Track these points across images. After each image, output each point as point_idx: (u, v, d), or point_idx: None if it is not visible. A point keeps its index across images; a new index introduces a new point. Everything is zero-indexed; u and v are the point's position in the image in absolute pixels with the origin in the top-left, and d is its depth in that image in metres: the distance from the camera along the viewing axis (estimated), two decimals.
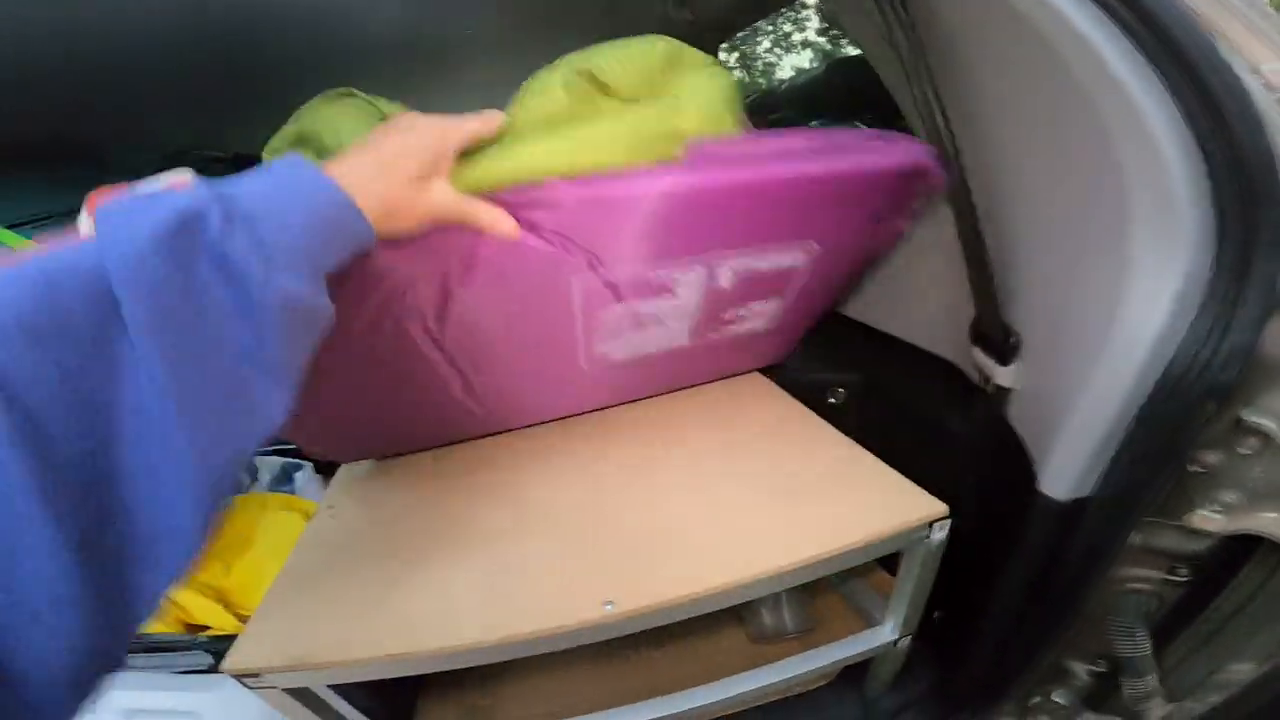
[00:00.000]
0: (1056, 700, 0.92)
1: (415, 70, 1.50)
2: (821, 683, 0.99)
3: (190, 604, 1.00)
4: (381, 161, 0.44)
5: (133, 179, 1.08)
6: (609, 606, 0.67)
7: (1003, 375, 0.73)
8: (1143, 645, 0.74)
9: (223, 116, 1.41)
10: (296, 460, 1.28)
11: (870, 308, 1.12)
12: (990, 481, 0.80)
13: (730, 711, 0.88)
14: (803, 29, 5.76)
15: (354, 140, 0.50)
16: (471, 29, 1.33)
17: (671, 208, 0.66)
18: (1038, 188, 0.65)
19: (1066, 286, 0.63)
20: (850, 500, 0.77)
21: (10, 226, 0.79)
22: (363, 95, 0.77)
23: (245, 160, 1.34)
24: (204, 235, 0.30)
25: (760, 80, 5.92)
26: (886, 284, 1.06)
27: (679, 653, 1.00)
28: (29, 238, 0.80)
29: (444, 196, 0.50)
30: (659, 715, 0.81)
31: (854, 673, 0.94)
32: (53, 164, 1.12)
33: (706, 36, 1.72)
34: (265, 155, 0.76)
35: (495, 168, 0.58)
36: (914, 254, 0.97)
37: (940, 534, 0.74)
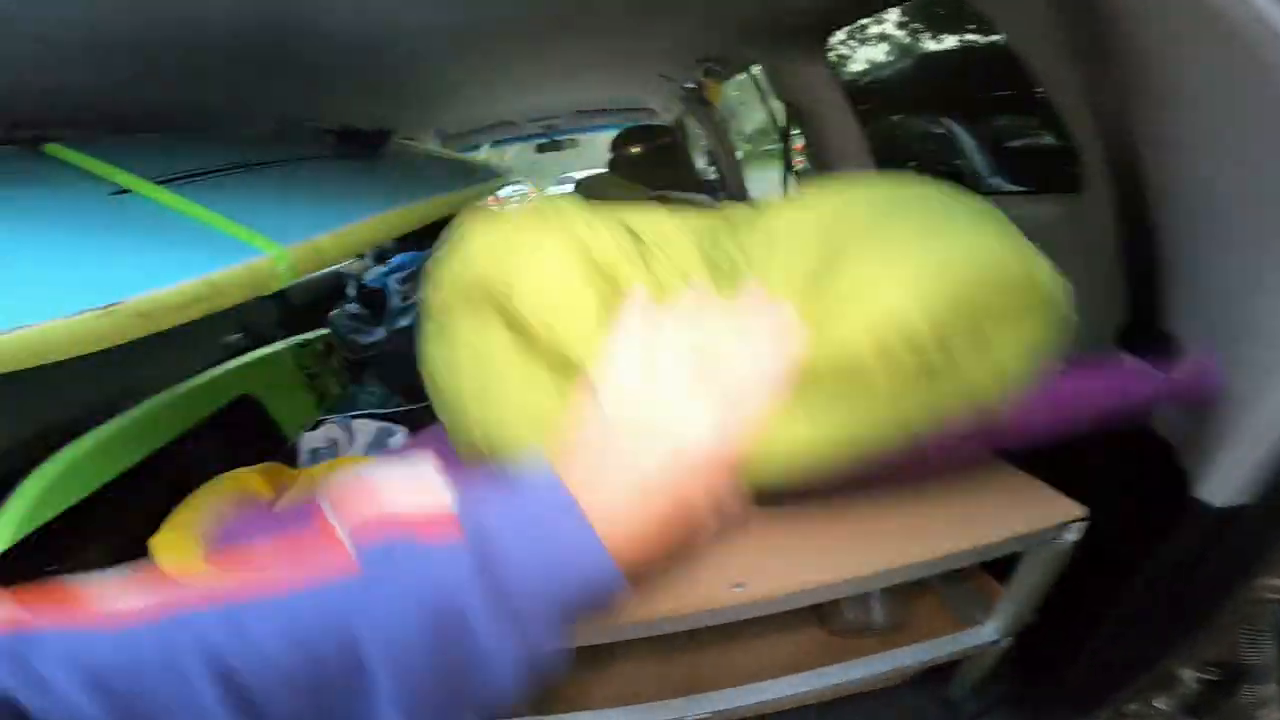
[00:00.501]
0: (1157, 706, 0.89)
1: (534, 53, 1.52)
2: (900, 680, 0.98)
3: None
4: (645, 491, 0.32)
5: (265, 148, 1.17)
6: (739, 589, 0.67)
7: None
8: (1268, 653, 0.72)
9: (333, 90, 1.46)
10: (392, 425, 1.31)
11: None
12: (1128, 486, 0.78)
13: (806, 704, 0.88)
14: (880, 21, 5.59)
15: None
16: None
17: None
18: (1226, 196, 0.63)
19: (1250, 295, 0.61)
20: (983, 499, 0.76)
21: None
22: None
23: (352, 133, 1.39)
24: (467, 623, 0.29)
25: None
26: None
27: (753, 642, 0.99)
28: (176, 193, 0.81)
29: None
30: (735, 705, 0.81)
31: (934, 672, 0.93)
32: (180, 125, 1.17)
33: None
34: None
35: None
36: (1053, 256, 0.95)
37: (1071, 536, 0.73)
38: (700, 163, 2.91)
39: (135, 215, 0.76)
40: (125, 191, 0.81)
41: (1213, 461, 0.64)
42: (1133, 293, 0.72)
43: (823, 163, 1.46)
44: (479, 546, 0.29)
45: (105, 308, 0.57)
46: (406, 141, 2.02)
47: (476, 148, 3.06)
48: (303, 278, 0.80)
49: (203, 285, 0.66)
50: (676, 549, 0.33)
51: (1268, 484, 0.61)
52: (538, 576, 0.30)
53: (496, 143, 3.19)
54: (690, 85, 2.18)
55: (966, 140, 2.94)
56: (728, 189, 2.57)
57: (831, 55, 1.43)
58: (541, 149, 3.38)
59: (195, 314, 0.66)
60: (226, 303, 0.69)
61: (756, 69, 1.76)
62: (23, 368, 0.52)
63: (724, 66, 1.74)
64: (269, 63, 1.11)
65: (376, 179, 1.33)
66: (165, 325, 0.63)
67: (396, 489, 0.32)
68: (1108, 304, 0.76)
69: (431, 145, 2.03)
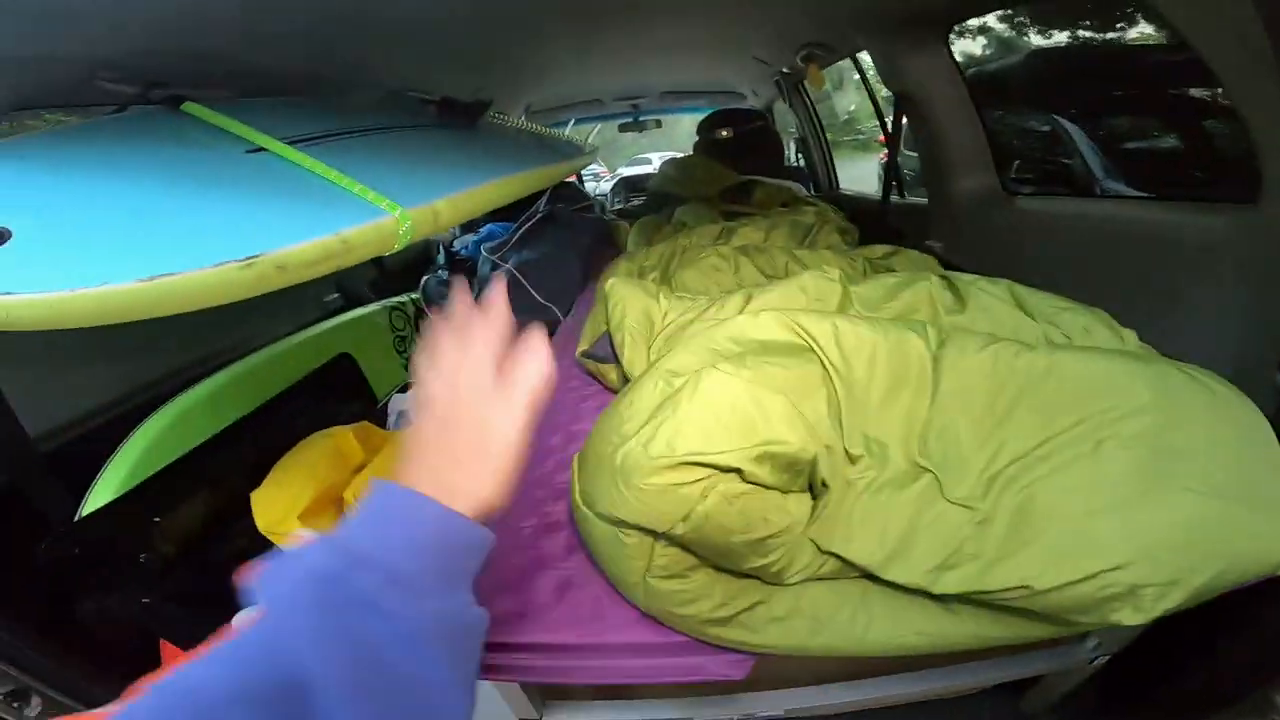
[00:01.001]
0: None
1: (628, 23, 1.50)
2: (973, 689, 0.93)
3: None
4: (450, 456, 0.41)
5: (374, 115, 1.20)
6: None
7: None
8: None
9: (427, 68, 1.49)
10: None
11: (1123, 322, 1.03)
12: None
13: (875, 708, 0.85)
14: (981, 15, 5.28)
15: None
16: None
17: None
18: None
19: None
20: None
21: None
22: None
23: (452, 104, 1.41)
24: (340, 588, 0.33)
25: None
26: (1163, 303, 0.95)
27: None
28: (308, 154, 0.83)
29: (513, 419, 0.42)
30: (806, 705, 0.79)
31: (1009, 683, 0.88)
32: (296, 91, 1.21)
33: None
34: None
35: None
36: (1213, 281, 0.87)
37: None
38: (790, 150, 2.82)
39: (270, 173, 0.78)
40: (260, 150, 0.83)
41: None
42: None
43: (935, 161, 1.38)
44: (343, 541, 0.35)
45: (246, 260, 0.58)
46: (498, 115, 2.03)
47: (563, 124, 3.06)
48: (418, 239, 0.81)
49: (336, 242, 0.67)
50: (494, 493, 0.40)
51: None
52: (391, 543, 0.36)
53: (580, 120, 3.19)
54: (786, 70, 2.11)
55: (1082, 140, 2.75)
56: (817, 179, 2.48)
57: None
58: (624, 128, 3.35)
59: (327, 269, 0.67)
60: (354, 259, 0.70)
61: (862, 55, 1.68)
62: (166, 314, 0.54)
63: (827, 53, 1.66)
64: (377, 34, 1.13)
65: (477, 149, 1.34)
66: (301, 279, 0.64)
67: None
68: (1269, 326, 0.72)
69: (520, 121, 2.04)
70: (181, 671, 0.30)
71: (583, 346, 0.89)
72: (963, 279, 0.71)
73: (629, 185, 3.41)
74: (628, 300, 0.81)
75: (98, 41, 0.79)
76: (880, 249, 0.93)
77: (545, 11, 1.41)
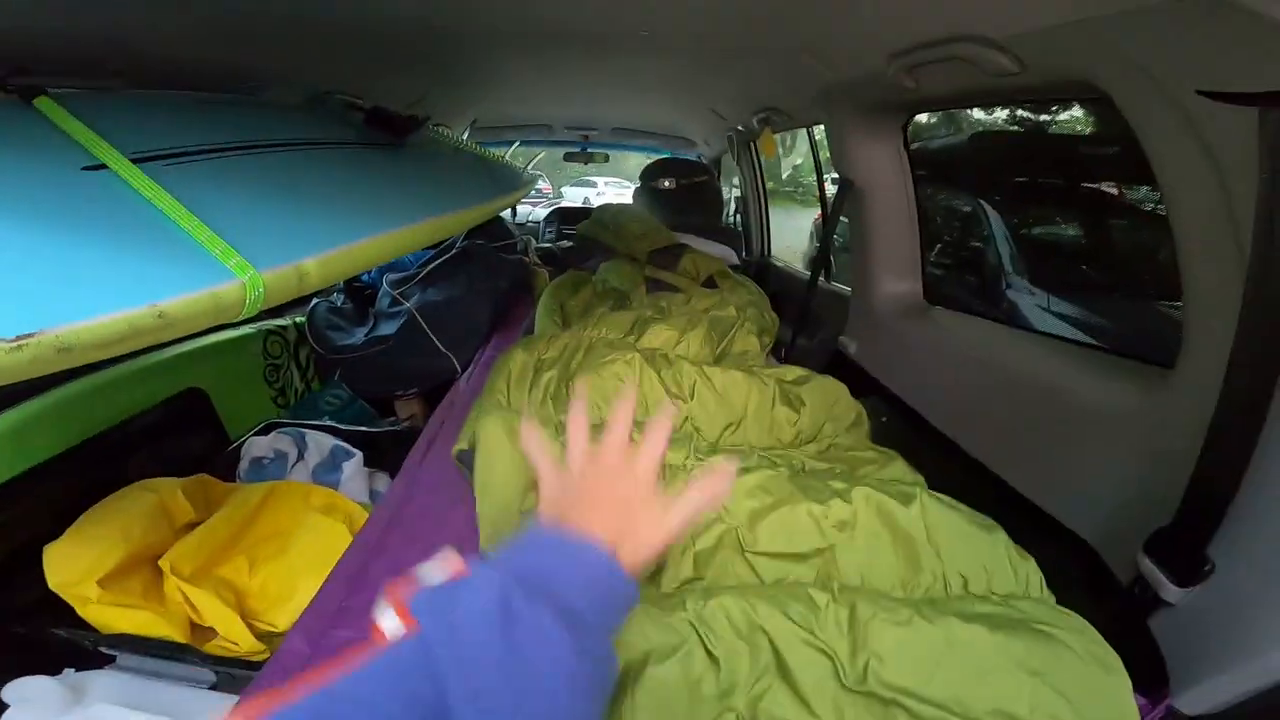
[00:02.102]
0: None
1: (561, 51, 1.43)
2: None
3: (202, 602, 0.88)
4: (621, 519, 0.43)
5: (284, 123, 1.07)
6: None
7: (1171, 592, 0.69)
8: None
9: (364, 68, 1.37)
10: (348, 447, 1.19)
11: (1009, 464, 1.02)
12: None
13: None
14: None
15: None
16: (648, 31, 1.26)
17: None
18: None
19: None
20: None
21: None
22: None
23: (380, 113, 1.28)
24: (519, 612, 0.33)
25: None
26: (1051, 454, 0.95)
27: None
28: None
29: (676, 518, 0.45)
30: None
31: None
32: (212, 88, 1.10)
33: None
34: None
35: None
36: (1103, 447, 0.87)
37: None
38: (729, 207, 2.83)
39: (97, 203, 0.65)
40: (100, 168, 0.69)
41: (1204, 678, 0.63)
42: (1190, 501, 0.66)
43: (865, 258, 1.37)
44: (509, 571, 0.36)
45: (15, 340, 0.46)
46: (438, 128, 1.91)
47: (509, 144, 2.96)
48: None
49: (147, 317, 0.54)
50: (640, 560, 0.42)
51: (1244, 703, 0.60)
52: (566, 580, 0.37)
53: (527, 143, 3.09)
54: (741, 128, 2.10)
55: (998, 226, 2.91)
56: (750, 243, 2.48)
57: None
58: (569, 158, 3.28)
59: (134, 347, 0.55)
60: (177, 334, 0.58)
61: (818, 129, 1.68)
62: None
63: (785, 119, 1.65)
64: (304, 31, 1.01)
65: (394, 179, 1.21)
66: (93, 360, 0.52)
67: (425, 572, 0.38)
68: (1147, 509, 0.71)
69: (461, 139, 1.92)
70: (335, 681, 0.31)
71: (460, 445, 0.79)
72: (857, 497, 0.66)
73: (564, 217, 3.33)
74: (495, 455, 0.72)
75: None
76: (791, 372, 0.89)
77: (502, 28, 1.32)
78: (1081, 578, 0.85)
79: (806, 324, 1.62)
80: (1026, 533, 0.93)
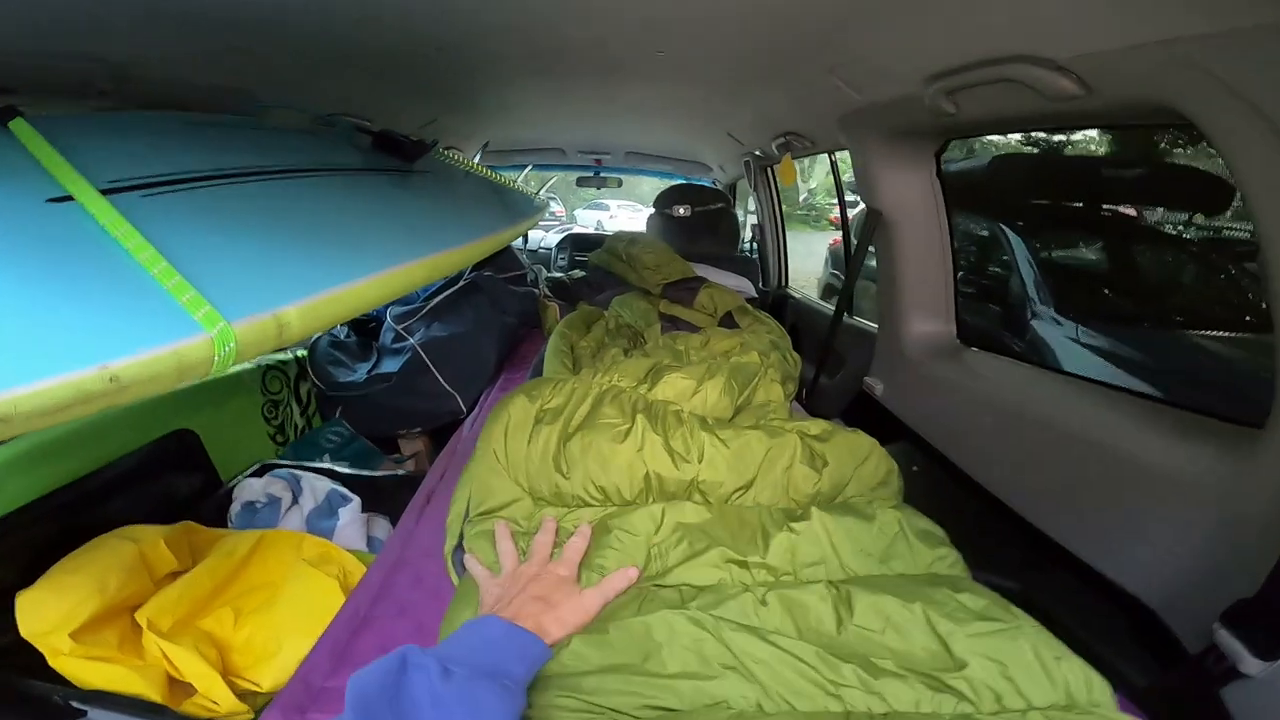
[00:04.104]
0: None
1: (570, 69, 1.39)
2: None
3: (181, 660, 0.81)
4: (541, 608, 0.59)
5: (285, 147, 1.02)
6: None
7: (1250, 664, 0.64)
8: None
9: (374, 91, 1.36)
10: (345, 492, 1.12)
11: (1057, 520, 0.93)
12: None
13: None
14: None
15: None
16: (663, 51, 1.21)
17: None
18: None
19: None
20: None
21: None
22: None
23: (388, 137, 1.24)
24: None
25: None
26: (1105, 512, 0.87)
27: None
28: None
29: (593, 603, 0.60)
30: None
31: None
32: (211, 108, 1.05)
33: None
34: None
35: None
36: (1171, 509, 0.78)
37: None
38: (744, 234, 2.77)
39: (58, 243, 0.58)
40: (65, 199, 0.64)
41: None
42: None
43: (894, 295, 1.29)
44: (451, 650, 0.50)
45: None
46: (449, 152, 1.87)
47: (521, 168, 2.93)
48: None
49: (97, 380, 0.48)
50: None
51: None
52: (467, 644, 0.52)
53: (540, 167, 3.06)
54: (759, 153, 2.04)
55: (1021, 253, 2.82)
56: (767, 273, 2.41)
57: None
58: (582, 182, 3.25)
59: (81, 415, 0.48)
60: (133, 398, 0.52)
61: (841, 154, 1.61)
62: None
63: (807, 145, 1.59)
64: (311, 55, 0.97)
65: (398, 209, 1.16)
66: (32, 429, 0.45)
67: None
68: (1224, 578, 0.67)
69: (473, 162, 1.88)
70: None
71: (450, 542, 0.73)
72: (869, 587, 0.58)
73: (577, 244, 3.29)
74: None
75: None
76: (816, 426, 0.81)
77: (514, 51, 1.28)
78: (1134, 640, 0.81)
79: (829, 362, 1.54)
80: (1076, 594, 0.89)
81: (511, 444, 0.74)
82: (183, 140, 0.89)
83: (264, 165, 0.92)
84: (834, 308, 1.57)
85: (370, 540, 1.12)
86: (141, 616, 0.85)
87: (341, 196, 1.06)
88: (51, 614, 0.80)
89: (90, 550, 0.89)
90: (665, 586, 0.61)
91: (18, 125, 0.68)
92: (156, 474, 1.05)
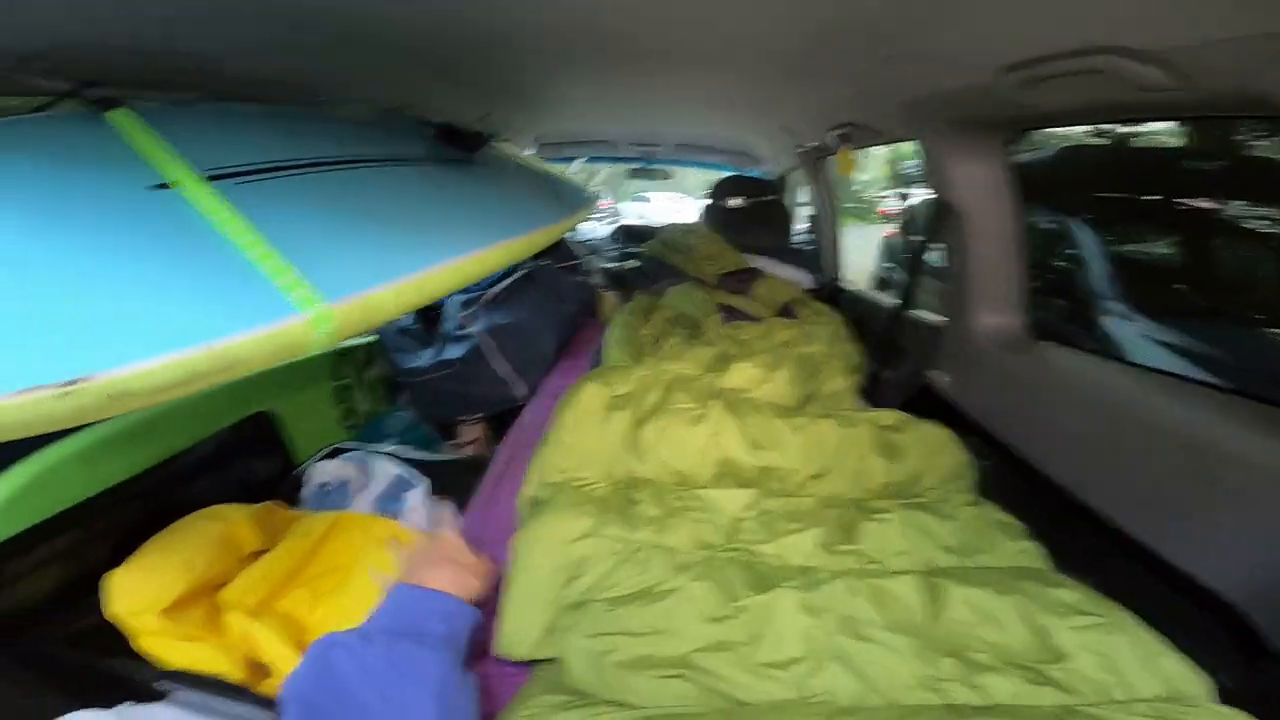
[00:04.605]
0: None
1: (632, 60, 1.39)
2: None
3: (263, 639, 0.83)
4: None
5: (357, 138, 1.06)
6: None
7: None
8: None
9: (432, 85, 1.36)
10: (412, 476, 1.15)
11: (1139, 518, 0.89)
12: None
13: None
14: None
15: None
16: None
17: None
18: None
19: None
20: None
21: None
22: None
23: (450, 129, 1.26)
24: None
25: None
26: (1194, 511, 0.83)
27: None
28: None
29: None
30: None
31: None
32: (285, 101, 1.09)
33: None
34: None
35: None
36: (1257, 503, 0.74)
37: None
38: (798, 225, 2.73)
39: (162, 228, 0.61)
40: (167, 187, 0.66)
41: None
42: None
43: (963, 286, 1.25)
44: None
45: (63, 386, 0.42)
46: (503, 144, 1.90)
47: (569, 160, 2.95)
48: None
49: (205, 359, 0.50)
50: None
51: None
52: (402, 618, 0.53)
53: (591, 159, 3.08)
54: (814, 145, 2.00)
55: (1091, 247, 2.70)
56: (820, 266, 2.37)
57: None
58: (634, 174, 3.25)
59: (192, 390, 0.51)
60: (237, 375, 0.54)
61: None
62: None
63: (869, 136, 1.55)
64: (373, 48, 0.99)
65: (464, 197, 1.18)
66: (145, 406, 0.48)
67: None
68: None
69: (527, 155, 1.90)
70: None
71: (524, 490, 0.74)
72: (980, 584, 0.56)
73: (629, 235, 3.29)
74: (523, 561, 0.65)
75: (21, 30, 0.63)
76: (888, 416, 0.79)
77: (568, 43, 1.29)
78: (1218, 638, 0.76)
79: (890, 355, 1.50)
80: (1155, 590, 0.85)
81: (583, 429, 0.74)
82: (265, 131, 0.92)
83: (341, 156, 0.95)
84: (888, 300, 1.53)
85: (435, 524, 1.15)
86: (226, 596, 0.88)
87: (415, 186, 1.08)
88: (141, 594, 0.83)
89: (178, 530, 0.93)
90: (755, 561, 0.60)
91: (117, 115, 0.70)
92: (235, 457, 1.10)
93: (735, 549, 0.60)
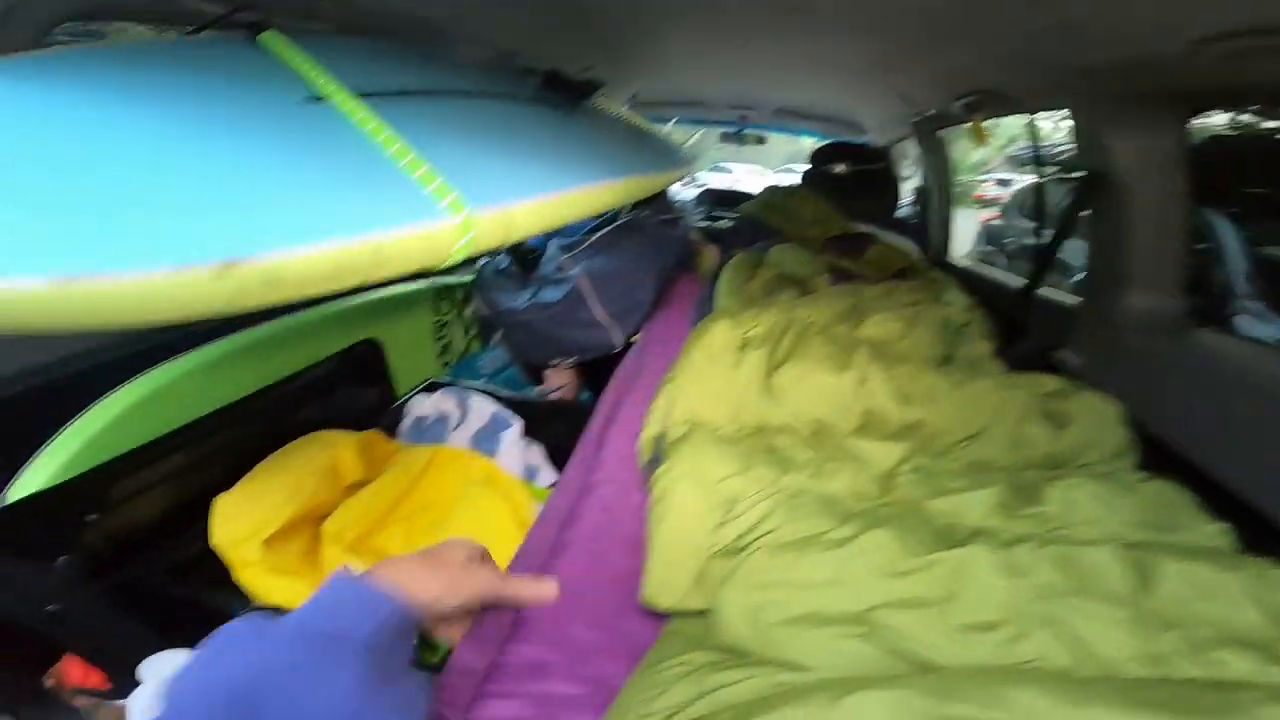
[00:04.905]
0: None
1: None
2: None
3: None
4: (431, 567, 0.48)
5: (473, 77, 1.04)
6: None
7: None
8: None
9: (539, 35, 1.35)
10: (508, 416, 1.15)
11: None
12: None
13: None
14: None
15: None
16: None
17: None
18: None
19: None
20: None
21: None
22: None
23: (557, 76, 1.23)
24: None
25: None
26: None
27: None
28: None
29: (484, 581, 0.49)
30: None
31: None
32: (413, 34, 1.09)
33: None
34: None
35: None
36: None
37: None
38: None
39: (317, 133, 0.61)
40: (320, 100, 0.66)
41: None
42: None
43: (1110, 263, 1.14)
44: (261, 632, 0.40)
45: (220, 264, 0.41)
46: (598, 99, 1.86)
47: (664, 121, 2.88)
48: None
49: (361, 251, 0.49)
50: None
51: None
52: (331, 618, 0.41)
53: (683, 121, 3.00)
54: (932, 114, 1.87)
55: (1230, 241, 2.50)
56: (927, 240, 2.24)
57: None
58: (726, 138, 3.15)
59: (341, 286, 0.49)
60: (383, 276, 0.52)
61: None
62: (96, 329, 0.36)
63: (1004, 106, 1.43)
64: None
65: (575, 140, 1.15)
66: (296, 296, 0.47)
67: None
68: None
69: (624, 111, 1.86)
70: None
71: (648, 429, 0.70)
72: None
73: (715, 199, 3.20)
74: (671, 502, 0.58)
75: None
76: (1049, 382, 0.72)
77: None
78: None
79: (1013, 332, 1.40)
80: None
81: (715, 368, 0.70)
82: (395, 60, 0.92)
83: (467, 88, 0.94)
84: (1004, 277, 1.41)
85: (527, 468, 1.14)
86: (328, 528, 0.88)
87: (531, 123, 1.06)
88: (246, 521, 0.83)
89: (287, 455, 0.94)
90: (930, 517, 0.54)
91: (268, 38, 0.71)
92: (343, 383, 1.12)
93: (897, 503, 0.54)
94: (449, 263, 0.58)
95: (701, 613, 0.52)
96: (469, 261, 1.47)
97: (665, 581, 0.54)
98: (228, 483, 0.85)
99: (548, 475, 1.13)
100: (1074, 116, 1.20)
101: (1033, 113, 1.51)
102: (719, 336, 0.72)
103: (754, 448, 0.62)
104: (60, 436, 0.72)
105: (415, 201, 0.56)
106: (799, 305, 0.81)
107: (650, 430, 0.70)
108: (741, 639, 0.46)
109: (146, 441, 0.81)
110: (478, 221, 0.58)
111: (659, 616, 0.55)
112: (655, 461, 0.67)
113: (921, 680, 0.35)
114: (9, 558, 0.67)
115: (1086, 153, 1.18)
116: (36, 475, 0.69)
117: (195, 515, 0.82)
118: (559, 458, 1.11)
